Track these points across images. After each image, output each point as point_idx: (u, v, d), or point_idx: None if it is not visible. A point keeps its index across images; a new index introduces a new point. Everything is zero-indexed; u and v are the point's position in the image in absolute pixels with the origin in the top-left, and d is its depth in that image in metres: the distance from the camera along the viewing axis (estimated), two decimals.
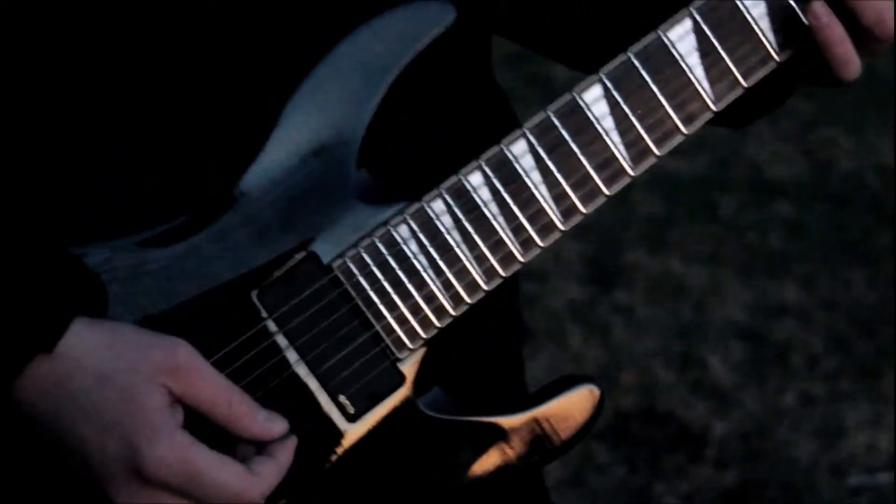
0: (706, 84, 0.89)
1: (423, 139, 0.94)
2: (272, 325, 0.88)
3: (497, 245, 0.89)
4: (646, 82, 0.89)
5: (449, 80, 0.96)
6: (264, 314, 0.87)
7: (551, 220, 0.90)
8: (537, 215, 0.89)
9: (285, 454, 0.84)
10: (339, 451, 0.90)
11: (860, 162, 4.10)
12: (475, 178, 0.89)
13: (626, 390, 3.18)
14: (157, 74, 0.86)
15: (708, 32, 0.88)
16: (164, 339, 0.82)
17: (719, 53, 0.89)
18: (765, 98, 0.97)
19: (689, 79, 0.89)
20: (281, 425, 0.84)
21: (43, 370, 0.78)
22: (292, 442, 0.85)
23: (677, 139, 0.90)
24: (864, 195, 3.99)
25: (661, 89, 0.89)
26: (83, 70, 0.86)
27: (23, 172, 0.86)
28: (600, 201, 0.90)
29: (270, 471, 0.82)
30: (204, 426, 0.81)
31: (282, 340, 0.88)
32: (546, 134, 0.89)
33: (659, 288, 3.63)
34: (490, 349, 1.02)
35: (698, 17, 0.88)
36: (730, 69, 0.89)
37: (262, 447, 0.83)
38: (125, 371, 0.79)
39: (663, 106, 0.89)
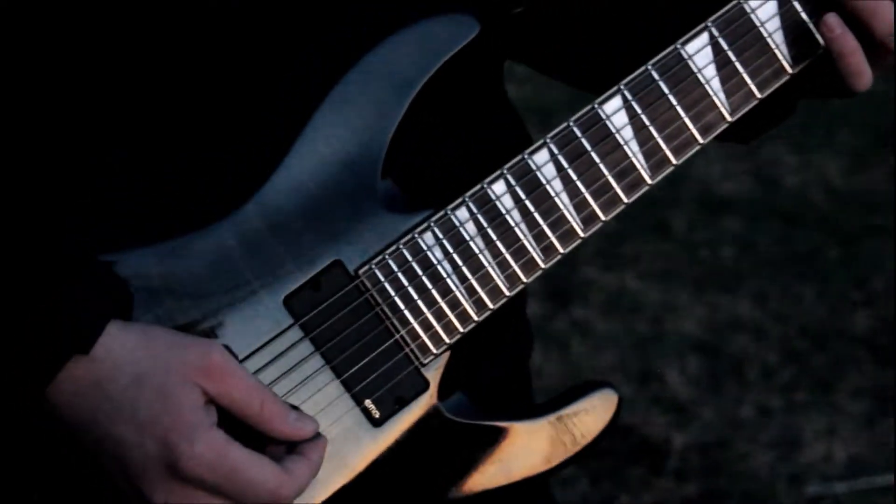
0: (722, 96, 0.92)
1: (445, 148, 0.96)
2: (299, 331, 0.88)
3: (519, 251, 0.91)
4: (664, 94, 0.91)
5: (469, 91, 0.97)
6: (291, 320, 0.88)
7: (572, 227, 0.92)
8: (558, 222, 0.92)
9: (317, 453, 0.85)
10: (364, 454, 0.90)
11: (805, 179, 4.20)
12: (498, 187, 0.91)
13: None
14: (161, 75, 0.87)
15: (724, 46, 0.92)
16: (197, 341, 0.83)
17: (735, 66, 0.92)
18: (773, 111, 1.00)
19: (705, 91, 0.92)
20: (311, 425, 0.85)
21: (80, 371, 0.78)
22: (323, 442, 0.86)
23: (694, 148, 0.93)
24: (811, 212, 4.08)
25: (678, 100, 0.92)
26: (87, 70, 0.86)
27: (41, 176, 0.87)
28: (619, 209, 0.93)
29: (303, 469, 0.83)
30: (235, 427, 0.82)
31: (308, 346, 0.88)
32: (567, 143, 0.91)
33: (615, 304, 3.67)
34: (506, 355, 1.03)
35: (715, 32, 0.92)
36: (745, 81, 0.92)
37: (292, 447, 0.84)
38: (161, 371, 0.80)
39: (681, 117, 0.92)
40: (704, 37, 0.92)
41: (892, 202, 4.05)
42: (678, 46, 0.92)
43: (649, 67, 0.91)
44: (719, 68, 0.92)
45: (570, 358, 3.44)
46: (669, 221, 3.96)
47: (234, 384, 0.82)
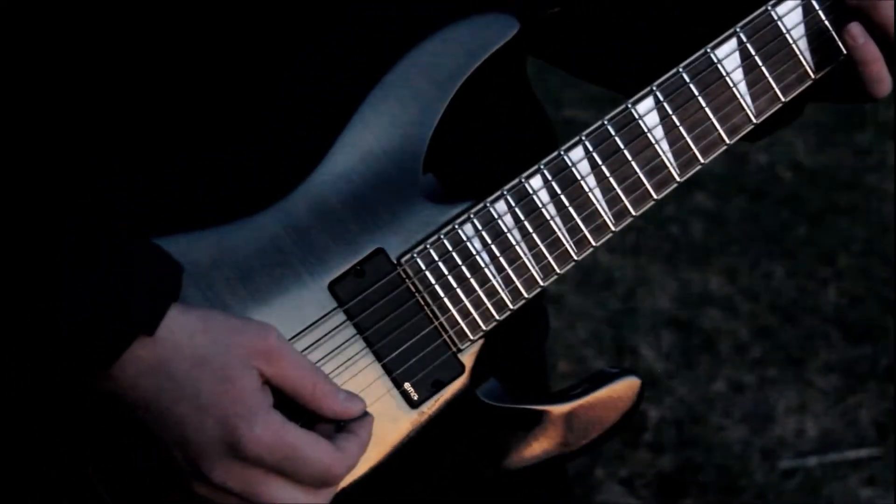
0: (749, 99, 0.97)
1: (482, 142, 1.00)
2: (342, 315, 0.92)
3: (554, 244, 0.95)
4: (694, 95, 0.96)
5: (504, 88, 1.01)
6: (335, 304, 0.92)
7: (604, 222, 0.96)
8: (592, 216, 0.96)
9: (366, 431, 0.89)
10: (401, 434, 0.95)
11: (773, 157, 4.25)
12: (535, 182, 0.95)
13: (563, 378, 3.23)
14: (170, 72, 0.89)
15: (752, 51, 0.96)
16: (253, 324, 0.86)
17: (762, 71, 0.97)
18: (784, 112, 1.04)
19: (733, 93, 0.96)
20: (360, 404, 0.89)
21: (144, 352, 0.81)
22: (370, 420, 0.90)
23: (721, 149, 0.98)
24: (779, 189, 4.14)
25: (708, 102, 0.96)
26: (92, 69, 0.88)
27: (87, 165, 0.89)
28: (649, 204, 0.97)
29: (354, 446, 0.87)
30: (287, 406, 0.85)
31: (351, 330, 0.92)
32: (602, 141, 0.95)
33: (587, 279, 3.70)
34: (530, 341, 1.08)
35: (743, 37, 0.96)
36: (770, 86, 0.97)
37: (340, 426, 0.88)
38: (221, 354, 0.83)
39: (710, 118, 0.96)
40: (733, 42, 0.96)
41: (858, 179, 4.13)
42: (708, 50, 0.96)
43: (681, 70, 0.95)
44: (746, 73, 0.96)
45: None
46: None
47: (290, 366, 0.85)
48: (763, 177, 4.20)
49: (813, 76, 0.98)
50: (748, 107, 0.97)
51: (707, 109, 0.96)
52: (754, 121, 0.98)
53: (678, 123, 0.96)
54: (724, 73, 0.96)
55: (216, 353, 0.82)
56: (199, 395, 0.82)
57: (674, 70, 0.96)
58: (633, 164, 0.96)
